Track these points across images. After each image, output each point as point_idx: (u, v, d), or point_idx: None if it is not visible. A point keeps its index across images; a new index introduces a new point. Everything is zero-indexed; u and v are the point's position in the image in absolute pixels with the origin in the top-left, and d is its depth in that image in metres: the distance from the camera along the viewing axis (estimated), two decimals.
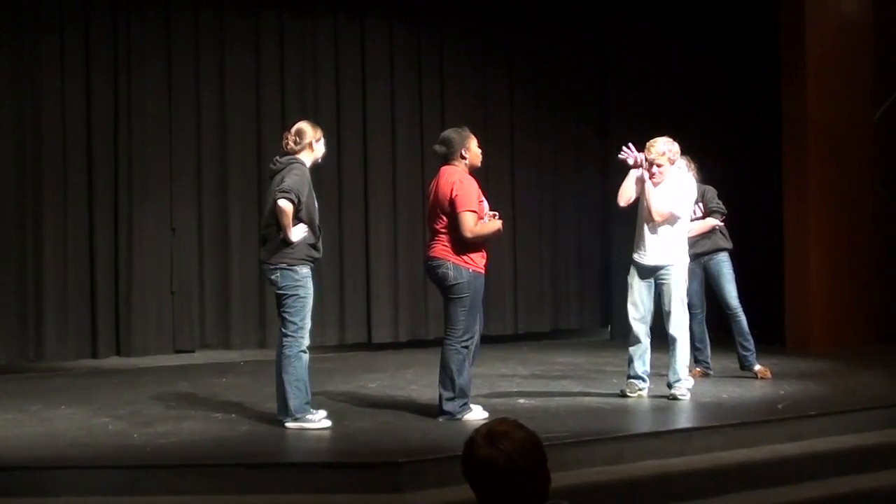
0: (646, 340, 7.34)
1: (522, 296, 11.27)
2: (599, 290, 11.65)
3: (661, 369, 7.57)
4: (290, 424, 6.41)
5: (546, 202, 11.41)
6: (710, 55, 11.30)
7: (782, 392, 7.61)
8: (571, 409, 7.07)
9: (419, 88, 10.86)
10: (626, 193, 7.41)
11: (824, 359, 9.25)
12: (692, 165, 7.98)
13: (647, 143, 7.35)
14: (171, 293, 9.84)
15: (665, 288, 7.29)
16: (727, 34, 11.26)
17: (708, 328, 8.34)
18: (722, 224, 8.26)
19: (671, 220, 7.30)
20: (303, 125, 6.63)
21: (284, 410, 6.44)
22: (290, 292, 6.40)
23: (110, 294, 9.61)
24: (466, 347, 6.57)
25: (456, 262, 6.53)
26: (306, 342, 6.46)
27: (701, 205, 8.11)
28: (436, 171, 6.77)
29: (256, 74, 10.19)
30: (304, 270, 6.42)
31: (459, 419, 6.52)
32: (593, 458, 5.92)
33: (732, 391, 7.69)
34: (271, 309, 7.33)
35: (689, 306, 7.57)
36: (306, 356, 6.45)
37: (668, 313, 7.30)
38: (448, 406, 6.56)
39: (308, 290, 6.43)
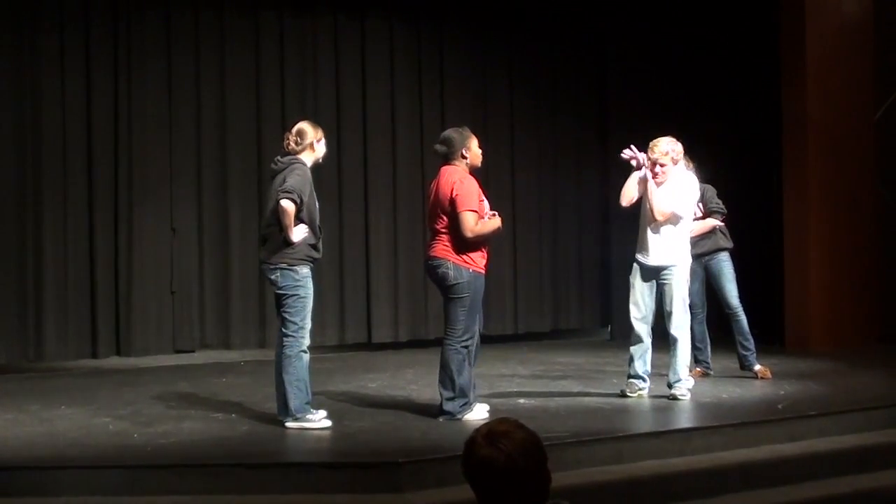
0: (647, 340, 7.34)
1: (522, 296, 11.27)
2: (599, 290, 11.65)
3: (662, 369, 7.57)
4: (290, 424, 6.41)
5: (546, 202, 11.41)
6: (710, 55, 11.30)
7: (782, 392, 7.61)
8: (571, 409, 7.06)
9: (419, 88, 10.86)
10: (629, 193, 7.41)
11: (824, 359, 9.25)
12: (690, 165, 7.98)
13: (651, 143, 7.35)
14: (171, 293, 9.84)
15: (667, 288, 7.29)
16: (727, 34, 11.26)
17: (708, 328, 8.34)
18: (722, 224, 8.26)
19: (674, 219, 7.30)
20: (304, 125, 6.64)
21: (284, 410, 6.44)
22: (290, 292, 6.40)
23: (110, 294, 9.61)
24: (466, 347, 6.57)
25: (456, 261, 6.53)
26: (307, 342, 6.46)
27: (701, 205, 8.11)
28: (436, 171, 6.77)
29: (256, 74, 10.19)
30: (305, 270, 6.42)
31: (459, 419, 6.52)
32: (593, 458, 5.92)
33: (732, 391, 7.69)
34: (271, 309, 7.33)
35: (690, 306, 7.57)
36: (307, 356, 6.45)
37: (670, 313, 7.30)
38: (448, 406, 6.56)
39: (308, 290, 6.43)
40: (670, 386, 7.29)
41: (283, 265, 6.39)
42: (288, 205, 6.29)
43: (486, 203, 6.67)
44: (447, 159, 6.66)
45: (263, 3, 10.27)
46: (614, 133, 10.85)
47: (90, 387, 8.42)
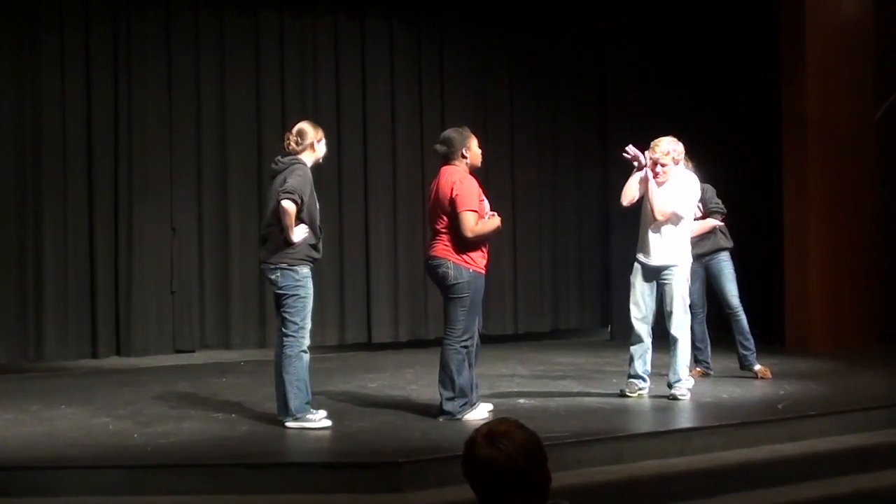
0: (647, 340, 7.34)
1: (522, 296, 11.27)
2: (599, 290, 11.65)
3: (662, 369, 7.57)
4: (290, 424, 6.41)
5: (546, 202, 11.41)
6: (710, 55, 11.30)
7: (782, 392, 7.61)
8: (571, 409, 7.07)
9: (419, 88, 10.85)
10: (630, 193, 7.41)
11: (824, 359, 9.25)
12: (689, 164, 7.97)
13: (652, 143, 7.35)
14: (171, 293, 9.84)
15: (667, 288, 7.29)
16: (727, 34, 11.26)
17: (708, 328, 8.34)
18: (722, 224, 8.26)
19: (674, 219, 7.30)
20: (304, 125, 6.64)
21: (284, 410, 6.44)
22: (290, 292, 6.40)
23: (110, 294, 9.61)
24: (466, 347, 6.57)
25: (456, 261, 6.53)
26: (307, 342, 6.46)
27: (701, 204, 8.11)
28: (436, 171, 6.77)
29: (256, 74, 10.19)
30: (305, 270, 6.43)
31: (459, 419, 6.52)
32: (593, 458, 5.92)
33: (732, 391, 7.69)
34: (271, 309, 7.32)
35: (691, 306, 7.57)
36: (307, 356, 6.46)
37: (670, 313, 7.30)
38: (448, 406, 6.56)
39: (308, 290, 6.44)
40: (670, 386, 7.29)
41: (284, 265, 6.39)
42: (289, 205, 6.30)
43: (486, 203, 6.67)
44: (447, 159, 6.66)
45: (263, 3, 10.27)
46: (614, 133, 10.83)
47: (90, 387, 8.42)
